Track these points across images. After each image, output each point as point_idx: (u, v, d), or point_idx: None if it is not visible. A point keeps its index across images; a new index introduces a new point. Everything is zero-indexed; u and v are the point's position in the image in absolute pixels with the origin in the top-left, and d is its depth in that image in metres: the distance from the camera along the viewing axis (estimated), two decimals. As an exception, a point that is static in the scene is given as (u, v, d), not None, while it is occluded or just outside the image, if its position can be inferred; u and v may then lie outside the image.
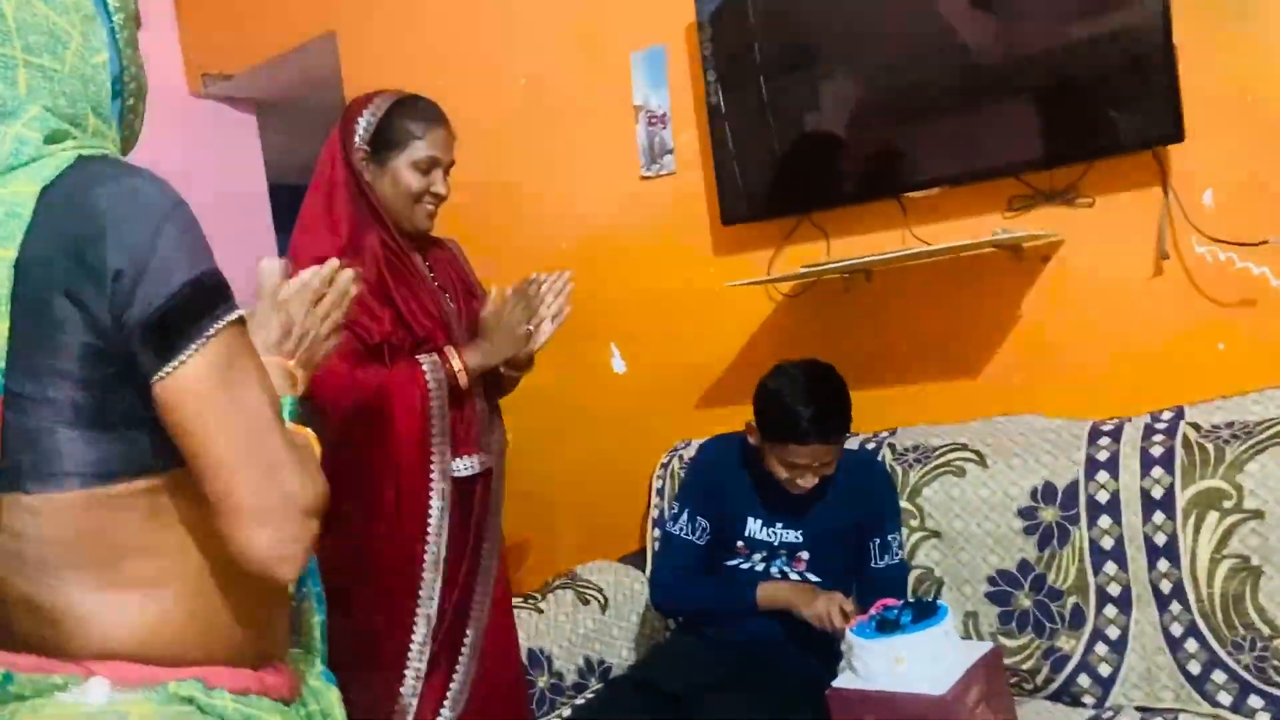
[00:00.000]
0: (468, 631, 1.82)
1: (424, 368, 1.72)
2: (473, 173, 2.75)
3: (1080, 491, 1.93)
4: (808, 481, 1.93)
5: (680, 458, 2.53)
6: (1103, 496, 1.91)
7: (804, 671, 1.94)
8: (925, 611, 1.76)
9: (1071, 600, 1.91)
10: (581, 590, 2.39)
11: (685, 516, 2.11)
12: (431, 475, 1.72)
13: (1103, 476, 1.92)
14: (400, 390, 1.69)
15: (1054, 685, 1.91)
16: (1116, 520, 1.88)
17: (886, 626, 1.74)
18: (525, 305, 1.81)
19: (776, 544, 2.04)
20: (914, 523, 2.09)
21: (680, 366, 2.63)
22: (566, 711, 2.15)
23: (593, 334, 2.76)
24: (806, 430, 1.87)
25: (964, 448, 2.10)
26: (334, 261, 1.26)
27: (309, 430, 1.03)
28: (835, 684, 1.77)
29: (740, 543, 2.07)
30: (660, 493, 2.53)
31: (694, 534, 2.09)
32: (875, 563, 2.04)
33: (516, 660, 1.99)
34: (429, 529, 1.72)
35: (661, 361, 2.67)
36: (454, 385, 1.76)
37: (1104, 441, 1.96)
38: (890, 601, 1.84)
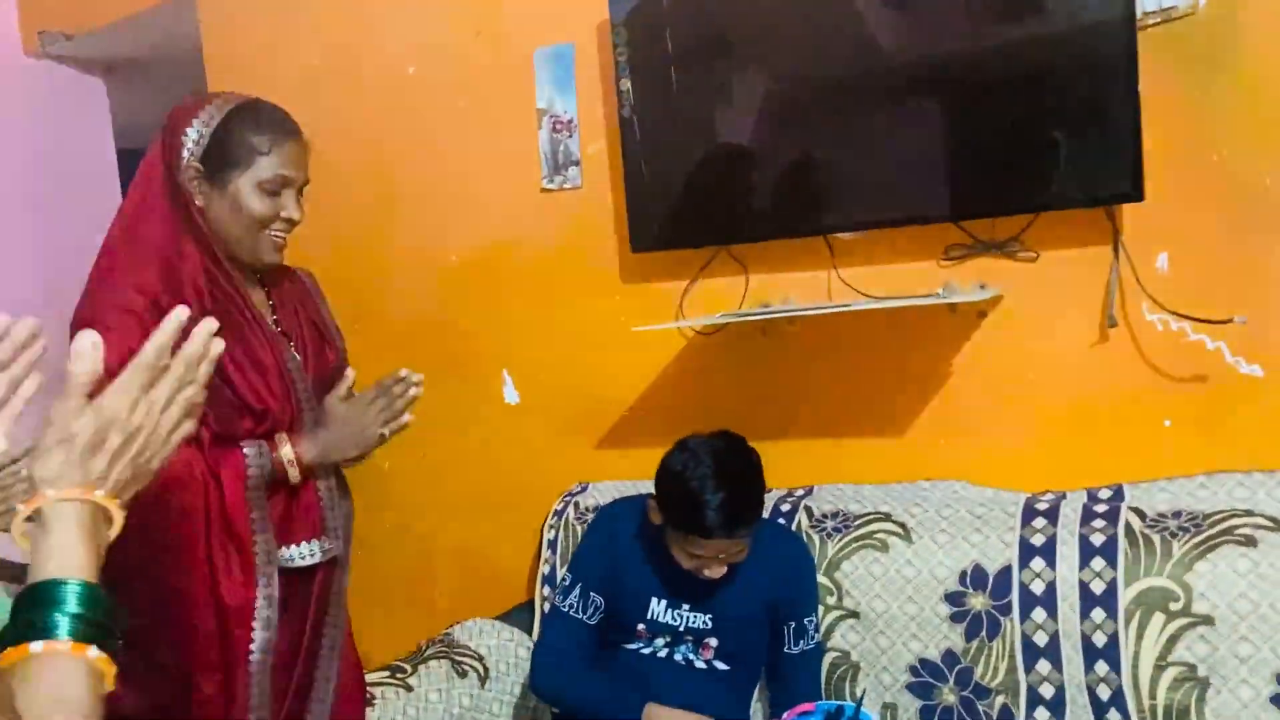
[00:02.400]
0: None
1: (246, 454, 1.43)
2: (344, 170, 2.44)
3: (1013, 579, 1.75)
4: (714, 572, 1.71)
5: (576, 505, 2.28)
6: (1038, 586, 1.73)
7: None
8: (847, 725, 1.56)
9: (1000, 700, 1.74)
10: (458, 660, 2.12)
11: (576, 592, 1.86)
12: (257, 571, 1.43)
13: (1038, 564, 1.75)
14: (195, 487, 1.39)
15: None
16: (1052, 614, 1.71)
17: (801, 747, 1.53)
18: (387, 404, 1.52)
19: (681, 628, 1.82)
20: (830, 600, 1.89)
21: (579, 401, 2.38)
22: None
23: (483, 359, 2.48)
24: (712, 525, 1.64)
25: (887, 518, 1.91)
26: (182, 311, 0.89)
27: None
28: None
29: (641, 625, 1.83)
30: (553, 545, 2.28)
31: (584, 612, 1.85)
32: (789, 647, 1.83)
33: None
34: (252, 634, 1.42)
35: (559, 394, 2.41)
36: (280, 476, 1.47)
37: (1039, 523, 1.79)
38: (807, 707, 1.64)
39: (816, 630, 1.85)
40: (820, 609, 1.88)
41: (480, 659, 2.15)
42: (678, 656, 1.83)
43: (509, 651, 2.18)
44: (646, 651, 1.84)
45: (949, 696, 1.78)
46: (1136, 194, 1.68)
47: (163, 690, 1.38)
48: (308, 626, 1.55)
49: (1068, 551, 1.73)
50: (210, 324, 0.91)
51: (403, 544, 2.64)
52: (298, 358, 1.56)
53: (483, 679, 2.11)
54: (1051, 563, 1.73)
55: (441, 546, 2.60)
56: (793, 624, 1.82)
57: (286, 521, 1.53)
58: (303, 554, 1.54)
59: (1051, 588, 1.72)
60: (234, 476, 1.40)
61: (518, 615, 2.29)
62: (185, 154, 1.43)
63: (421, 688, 2.03)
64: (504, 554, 2.48)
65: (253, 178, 1.45)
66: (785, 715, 1.61)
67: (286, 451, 1.49)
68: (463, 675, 2.09)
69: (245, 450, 1.43)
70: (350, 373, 1.59)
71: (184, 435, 0.90)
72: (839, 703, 1.61)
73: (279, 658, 1.49)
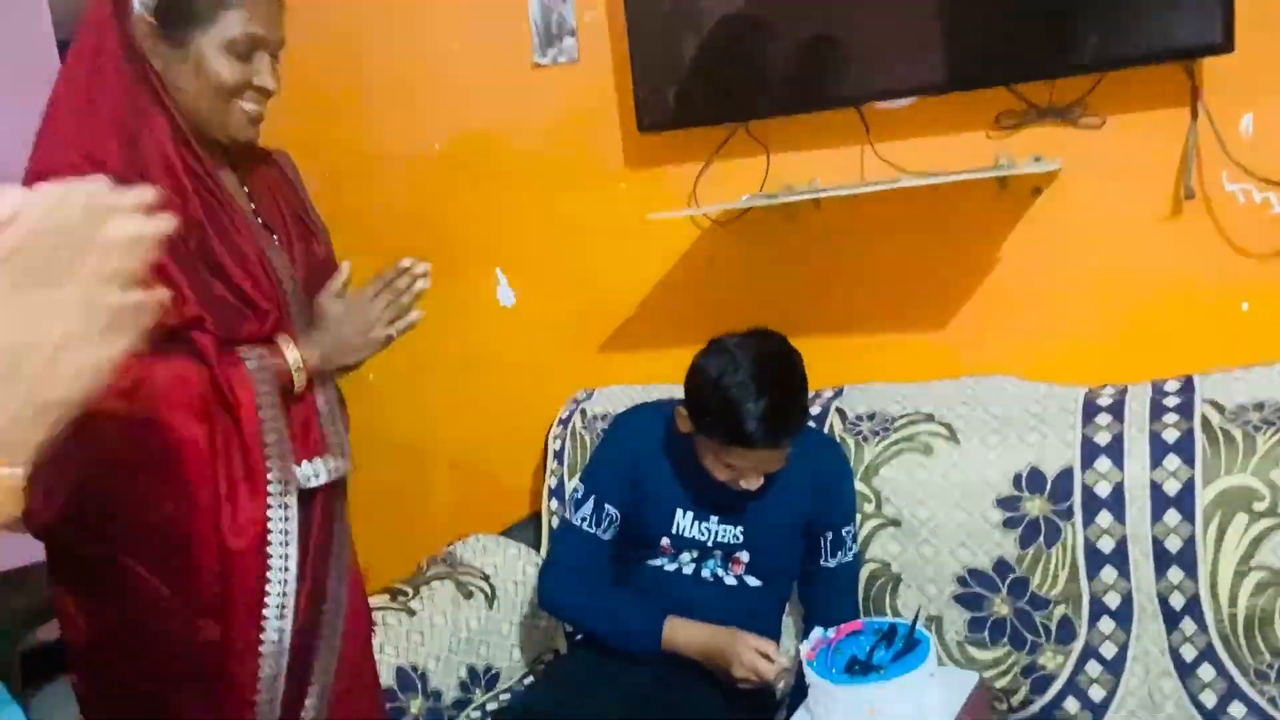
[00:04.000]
0: (309, 691, 1.37)
1: (247, 365, 1.22)
2: (308, 50, 2.18)
3: (1075, 481, 1.60)
4: (751, 483, 1.54)
5: (583, 413, 2.09)
6: (1103, 489, 1.58)
7: (743, 712, 1.59)
8: (903, 645, 1.41)
9: (1059, 610, 1.60)
10: (463, 580, 1.96)
11: (590, 505, 1.69)
12: (269, 492, 1.24)
13: (1103, 464, 1.59)
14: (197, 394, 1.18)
15: (1033, 708, 1.61)
16: (1119, 518, 1.56)
17: (857, 668, 1.39)
18: (391, 300, 1.30)
19: (710, 543, 1.65)
20: (869, 508, 1.73)
21: (582, 300, 2.17)
22: (446, 740, 1.75)
23: (474, 258, 2.26)
24: (754, 434, 1.46)
25: (930, 419, 1.74)
26: (149, 191, 0.64)
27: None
28: (788, 732, 1.41)
29: (665, 540, 1.67)
30: (559, 456, 2.10)
31: (598, 526, 1.68)
32: (826, 560, 1.68)
33: (374, 701, 1.55)
34: (269, 565, 1.24)
35: (559, 294, 2.20)
36: (285, 384, 1.27)
37: (1102, 419, 1.62)
38: (855, 626, 1.49)
39: (854, 541, 1.70)
40: (858, 518, 1.72)
41: (486, 578, 1.99)
42: (705, 572, 1.67)
43: (515, 569, 2.03)
44: (671, 568, 1.68)
45: (1001, 608, 1.64)
46: (1226, 44, 1.47)
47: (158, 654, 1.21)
48: (311, 555, 1.37)
49: (1137, 450, 1.57)
50: (148, 192, 0.66)
51: (395, 458, 2.45)
52: (283, 255, 1.35)
53: (490, 599, 1.96)
54: (1119, 462, 1.57)
55: (438, 460, 2.43)
56: (830, 535, 1.66)
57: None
58: (307, 475, 1.33)
59: (1119, 490, 1.57)
60: (244, 392, 1.20)
61: (522, 530, 2.13)
62: (136, 5, 1.19)
63: (425, 611, 1.87)
64: (505, 466, 2.31)
65: (218, 36, 1.21)
66: (831, 632, 1.46)
67: (293, 355, 1.28)
68: (468, 596, 1.94)
69: (245, 359, 1.22)
70: (346, 266, 1.38)
71: (115, 354, 0.61)
72: (891, 620, 1.47)
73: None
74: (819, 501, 1.65)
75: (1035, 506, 1.62)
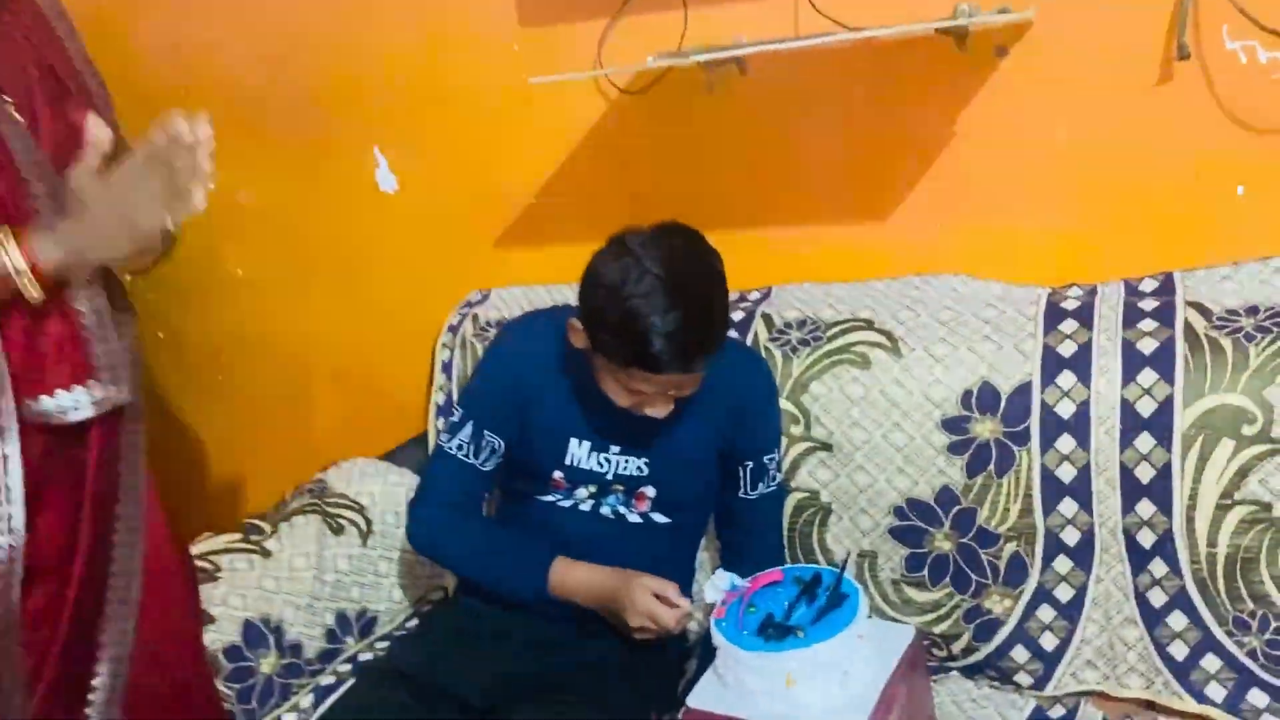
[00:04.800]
0: (99, 660, 1.11)
1: None
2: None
3: (1033, 399, 1.36)
4: (658, 410, 1.27)
5: (475, 318, 1.81)
6: (1065, 408, 1.35)
7: (650, 667, 1.37)
8: (828, 599, 1.18)
9: (1010, 548, 1.38)
10: (332, 513, 1.70)
11: (468, 432, 1.42)
12: None
13: (1066, 380, 1.35)
14: None
15: (975, 656, 1.41)
16: (1082, 443, 1.34)
17: (772, 630, 1.15)
18: (166, 176, 0.96)
19: (610, 476, 1.40)
20: (796, 430, 1.49)
21: (473, 185, 1.86)
22: (305, 699, 1.51)
23: (348, 136, 1.93)
24: (662, 356, 1.19)
25: (869, 325, 1.49)
26: None
27: None
28: (693, 701, 1.19)
29: (557, 473, 1.41)
30: (447, 368, 1.83)
31: (477, 457, 1.42)
32: (746, 492, 1.44)
33: (193, 667, 1.29)
34: None
35: (447, 178, 1.88)
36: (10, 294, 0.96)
37: (1067, 326, 1.38)
38: (773, 576, 1.25)
39: (779, 470, 1.46)
40: (783, 442, 1.48)
41: (361, 509, 1.73)
42: (605, 509, 1.42)
43: (397, 498, 1.76)
44: (565, 504, 1.43)
45: (943, 543, 1.42)
46: None
47: None
48: (88, 508, 1.08)
49: (1107, 363, 1.33)
50: None
51: (267, 369, 2.16)
52: (19, 119, 1.02)
53: (364, 534, 1.70)
54: (1085, 377, 1.34)
55: (318, 371, 2.13)
56: (750, 464, 1.42)
57: (33, 361, 1.03)
58: (63, 406, 1.04)
59: (1084, 410, 1.33)
60: None
61: (407, 453, 1.86)
62: None
63: (284, 552, 1.61)
64: (393, 379, 2.02)
65: None
66: (743, 583, 1.23)
67: (14, 255, 0.97)
68: (338, 531, 1.68)
69: None
70: (103, 133, 1.04)
71: None
72: (814, 568, 1.24)
73: (37, 558, 1.03)
74: (738, 426, 1.40)
75: (986, 429, 1.38)
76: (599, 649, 1.38)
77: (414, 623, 1.71)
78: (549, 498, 1.43)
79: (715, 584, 1.25)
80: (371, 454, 1.87)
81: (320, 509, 1.70)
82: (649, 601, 1.29)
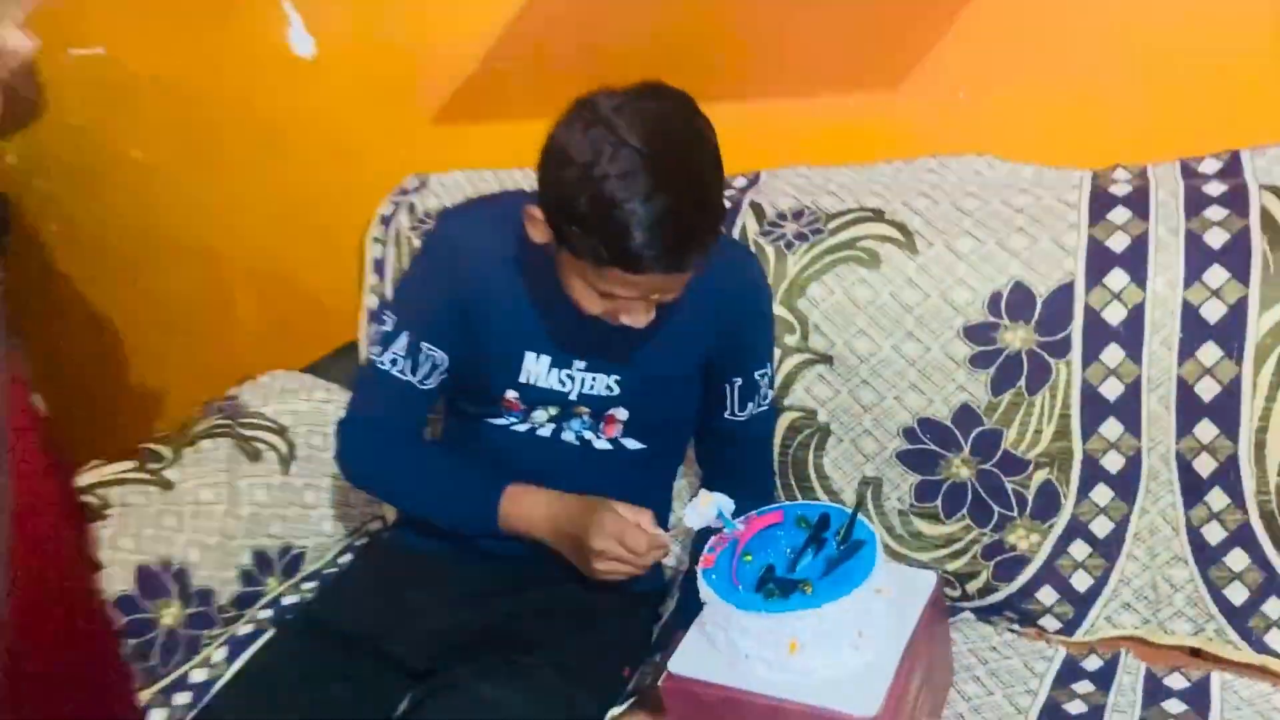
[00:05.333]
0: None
1: None
2: None
3: (1075, 303, 1.15)
4: (636, 319, 1.03)
5: (411, 208, 1.55)
6: (1114, 313, 1.14)
7: (618, 612, 1.17)
8: (839, 546, 0.98)
9: (1040, 475, 1.19)
10: (247, 435, 1.46)
11: (403, 343, 1.18)
12: None
13: (1116, 279, 1.14)
14: None
15: (993, 598, 1.23)
16: (1133, 355, 1.13)
17: (775, 588, 0.95)
18: None
19: (573, 396, 1.17)
20: (790, 339, 1.27)
21: (407, 48, 1.58)
22: (218, 653, 1.30)
23: (254, -8, 1.62)
24: (644, 252, 0.94)
25: (878, 216, 1.26)
26: None
27: None
28: (676, 665, 0.99)
29: (511, 392, 1.18)
30: (379, 267, 1.57)
31: (415, 373, 1.18)
32: (733, 413, 1.22)
33: (80, 622, 1.06)
34: None
35: (374, 39, 1.60)
36: None
37: (1119, 215, 1.16)
38: (772, 518, 1.05)
39: (771, 386, 1.24)
40: (776, 354, 1.26)
41: (281, 431, 1.49)
42: (568, 435, 1.20)
43: (324, 417, 1.53)
44: (520, 429, 1.20)
45: (961, 470, 1.22)
46: None
47: None
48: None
49: (1167, 259, 1.12)
50: None
51: (177, 266, 1.88)
52: None
53: (285, 459, 1.47)
54: (1139, 276, 1.13)
55: (227, 270, 1.86)
56: (739, 381, 1.20)
57: None
58: None
59: (1137, 315, 1.13)
60: None
61: (336, 365, 1.62)
62: None
63: (187, 482, 1.37)
64: (317, 278, 1.77)
65: None
66: (736, 524, 1.02)
67: None
68: (254, 457, 1.44)
69: None
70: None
71: None
72: (821, 506, 1.03)
73: None
74: (726, 336, 1.17)
75: (1017, 338, 1.17)
76: (559, 594, 1.17)
77: (347, 558, 1.49)
78: (501, 421, 1.20)
79: (698, 508, 1.03)
80: (294, 366, 1.62)
81: (232, 431, 1.45)
82: (618, 522, 1.07)
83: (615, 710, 1.11)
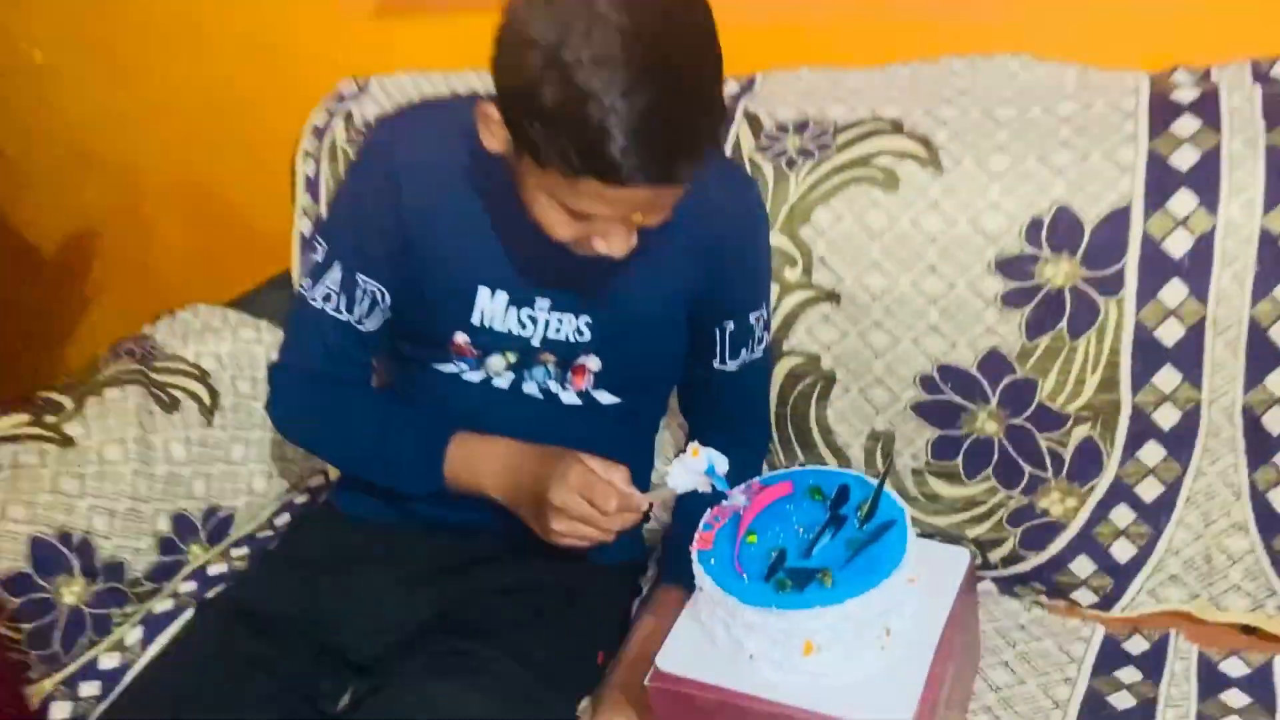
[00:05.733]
0: None
1: None
2: None
3: (1131, 229, 0.98)
4: (614, 245, 0.84)
5: (348, 117, 1.33)
6: (1178, 243, 0.97)
7: (592, 588, 1.01)
8: (864, 524, 0.82)
9: (1080, 431, 1.03)
10: (161, 381, 1.26)
11: (336, 275, 0.99)
12: None
13: (1182, 202, 0.97)
14: None
15: (1019, 568, 1.09)
16: (1198, 291, 0.97)
17: (787, 579, 0.79)
18: None
19: (537, 342, 0.99)
20: (791, 274, 1.09)
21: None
22: (132, 634, 1.12)
23: None
24: (626, 159, 0.74)
25: (896, 128, 1.07)
26: None
27: None
28: (665, 662, 0.84)
29: (460, 335, 0.99)
30: (312, 186, 1.36)
31: (350, 309, 1.00)
32: (722, 361, 1.05)
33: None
34: None
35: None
36: None
37: (1184, 126, 0.99)
38: (779, 489, 0.88)
39: (767, 330, 1.06)
40: (774, 291, 1.08)
41: (202, 376, 1.30)
42: (529, 386, 1.02)
43: (253, 359, 1.33)
44: (473, 378, 1.02)
45: (987, 424, 1.06)
46: None
47: None
48: None
49: (1244, 178, 0.95)
50: None
51: (81, 187, 1.66)
52: None
53: (208, 409, 1.28)
54: (1209, 199, 0.96)
55: (145, 189, 1.64)
56: (730, 326, 1.02)
57: None
58: None
59: (1205, 245, 0.96)
60: None
61: (266, 299, 1.41)
62: None
63: (91, 439, 1.18)
64: (244, 199, 1.56)
65: None
66: (738, 497, 0.86)
67: None
68: (170, 407, 1.25)
69: None
70: None
71: None
72: (839, 474, 0.87)
73: None
74: (715, 273, 0.99)
75: (1060, 272, 1.00)
76: (523, 571, 1.01)
77: (284, 519, 1.32)
78: (450, 368, 1.02)
79: (685, 463, 0.85)
80: (218, 300, 1.42)
81: (144, 377, 1.25)
82: (585, 476, 0.88)
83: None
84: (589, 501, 0.87)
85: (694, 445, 0.86)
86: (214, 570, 1.22)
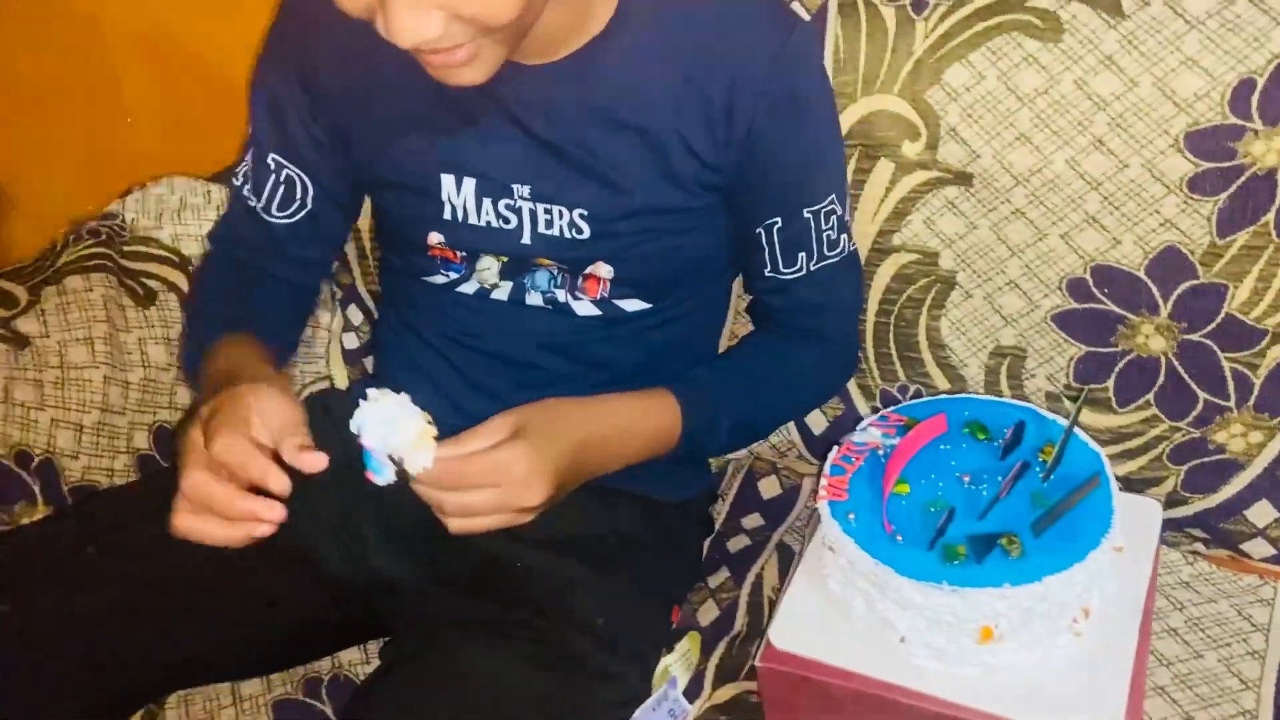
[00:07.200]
0: None
1: None
2: None
3: (1376, 95, 0.76)
4: (416, 28, 0.54)
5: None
6: None
7: (654, 542, 0.83)
8: (1054, 485, 0.63)
9: (1275, 352, 0.83)
10: (134, 269, 1.05)
11: (250, 153, 0.79)
12: None
13: None
14: None
15: (1180, 511, 0.90)
16: None
17: (960, 547, 0.60)
18: None
19: (526, 239, 0.77)
20: (910, 148, 0.87)
21: None
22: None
23: None
24: None
25: (1059, -41, 0.84)
26: None
27: None
28: (778, 638, 0.66)
29: (435, 235, 0.78)
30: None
31: (258, 196, 0.81)
32: (775, 269, 0.82)
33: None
34: None
35: None
36: None
37: None
38: (931, 429, 0.69)
39: (840, 230, 0.83)
40: (890, 169, 0.86)
41: (183, 262, 1.08)
42: (533, 298, 0.80)
43: (244, 245, 1.12)
44: (467, 289, 0.81)
45: (1152, 340, 0.86)
46: None
47: None
48: None
49: None
50: None
51: (55, 39, 1.40)
52: None
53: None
54: None
55: (118, 37, 1.39)
56: (777, 223, 0.79)
57: None
58: None
59: None
60: None
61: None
62: None
63: (51, 337, 0.97)
64: (232, 51, 1.30)
65: None
66: (874, 434, 0.66)
67: None
68: (145, 301, 1.04)
69: None
70: None
71: None
72: (1009, 406, 0.67)
73: None
74: (740, 151, 0.74)
75: (1271, 150, 0.79)
76: (569, 514, 0.81)
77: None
78: (437, 279, 0.81)
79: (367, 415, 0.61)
80: (199, 171, 1.19)
81: (113, 263, 1.04)
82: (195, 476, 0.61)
83: (669, 659, 0.78)
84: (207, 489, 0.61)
85: (375, 393, 0.61)
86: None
